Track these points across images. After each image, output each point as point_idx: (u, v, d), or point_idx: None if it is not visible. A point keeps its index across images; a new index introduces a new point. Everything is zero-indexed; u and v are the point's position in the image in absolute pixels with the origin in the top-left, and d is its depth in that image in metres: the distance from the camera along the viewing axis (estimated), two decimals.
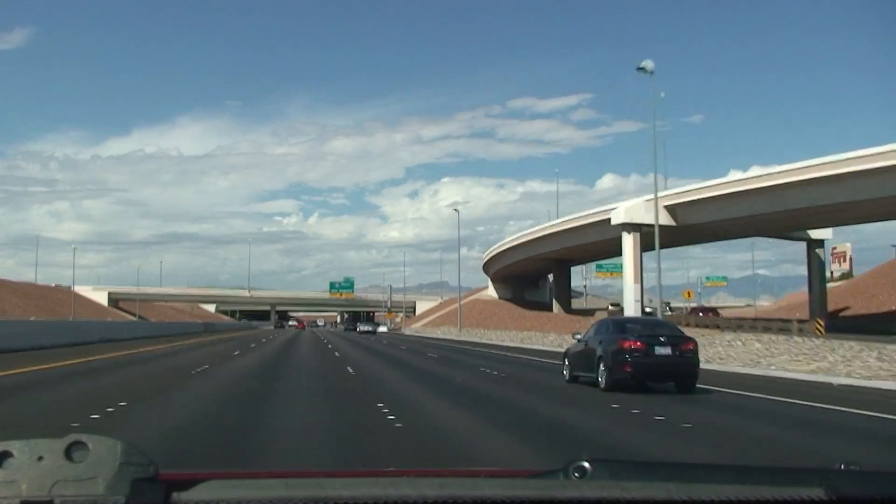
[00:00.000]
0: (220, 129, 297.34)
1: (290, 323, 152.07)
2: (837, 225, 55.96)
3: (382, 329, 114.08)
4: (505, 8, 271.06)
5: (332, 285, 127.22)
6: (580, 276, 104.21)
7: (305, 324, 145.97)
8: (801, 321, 48.15)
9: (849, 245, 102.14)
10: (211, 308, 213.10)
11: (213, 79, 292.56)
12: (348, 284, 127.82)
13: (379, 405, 11.86)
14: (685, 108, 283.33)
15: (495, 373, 21.22)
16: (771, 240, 62.72)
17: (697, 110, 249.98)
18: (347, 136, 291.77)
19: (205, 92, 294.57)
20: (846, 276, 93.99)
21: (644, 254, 50.36)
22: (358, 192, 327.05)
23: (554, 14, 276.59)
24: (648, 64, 31.48)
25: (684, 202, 48.33)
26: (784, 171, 43.19)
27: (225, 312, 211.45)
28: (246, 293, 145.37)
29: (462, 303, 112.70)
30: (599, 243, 57.23)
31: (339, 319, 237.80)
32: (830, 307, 59.96)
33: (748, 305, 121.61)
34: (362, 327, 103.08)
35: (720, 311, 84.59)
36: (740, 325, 51.00)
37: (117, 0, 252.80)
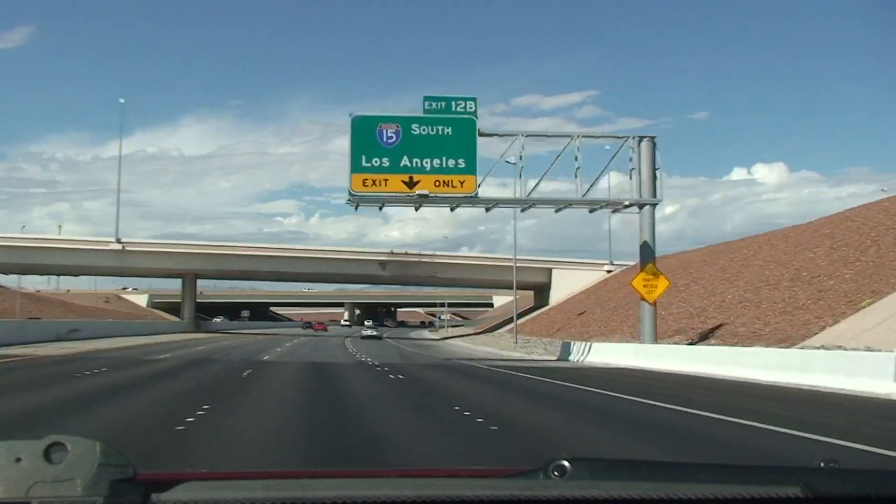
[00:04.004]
0: (222, 130, 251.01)
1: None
2: None
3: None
4: (508, 4, 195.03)
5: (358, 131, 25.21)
6: None
7: (325, 325, 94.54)
8: None
9: None
10: (141, 301, 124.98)
11: (215, 78, 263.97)
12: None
13: None
14: (691, 104, 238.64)
15: None
16: None
17: (703, 107, 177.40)
18: (349, 136, 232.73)
19: (208, 91, 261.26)
20: None
21: None
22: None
23: (558, 9, 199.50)
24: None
25: None
26: None
27: (158, 306, 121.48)
28: (114, 245, 53.79)
29: None
30: None
31: (346, 317, 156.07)
32: None
33: None
34: (366, 331, 61.16)
35: None
36: None
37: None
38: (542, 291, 65.67)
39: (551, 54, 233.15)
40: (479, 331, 71.23)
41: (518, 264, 64.86)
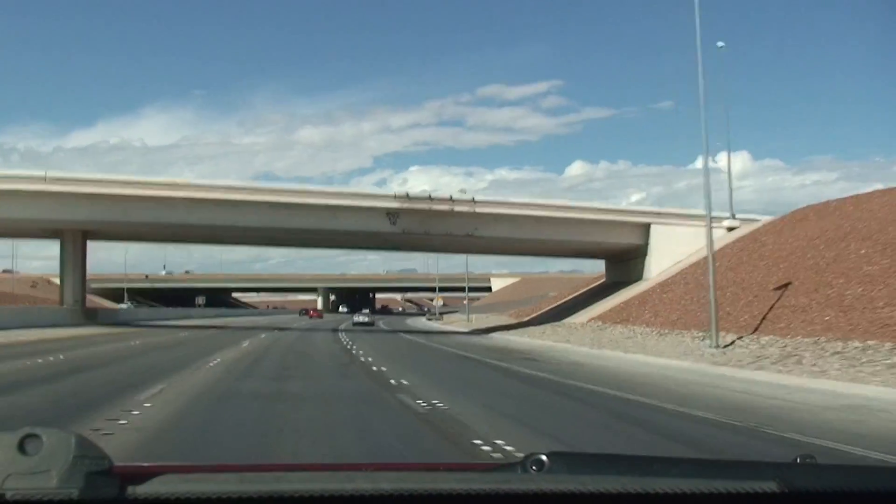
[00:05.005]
0: (185, 120, 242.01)
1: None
2: None
3: None
4: None
5: None
6: None
7: (321, 313, 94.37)
8: None
9: None
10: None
11: (178, 68, 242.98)
12: None
13: None
14: (655, 93, 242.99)
15: None
16: None
17: (667, 96, 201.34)
18: (315, 126, 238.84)
19: (170, 82, 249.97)
20: None
21: None
22: (325, 182, 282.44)
23: None
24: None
25: None
26: None
27: (96, 292, 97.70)
28: None
29: None
30: None
31: (319, 304, 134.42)
32: None
33: None
34: (359, 318, 58.25)
35: None
36: None
37: None
38: (628, 259, 43.51)
39: (518, 43, 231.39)
40: (524, 319, 48.73)
41: (599, 216, 42.61)
